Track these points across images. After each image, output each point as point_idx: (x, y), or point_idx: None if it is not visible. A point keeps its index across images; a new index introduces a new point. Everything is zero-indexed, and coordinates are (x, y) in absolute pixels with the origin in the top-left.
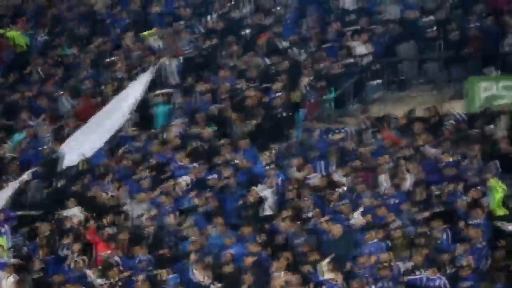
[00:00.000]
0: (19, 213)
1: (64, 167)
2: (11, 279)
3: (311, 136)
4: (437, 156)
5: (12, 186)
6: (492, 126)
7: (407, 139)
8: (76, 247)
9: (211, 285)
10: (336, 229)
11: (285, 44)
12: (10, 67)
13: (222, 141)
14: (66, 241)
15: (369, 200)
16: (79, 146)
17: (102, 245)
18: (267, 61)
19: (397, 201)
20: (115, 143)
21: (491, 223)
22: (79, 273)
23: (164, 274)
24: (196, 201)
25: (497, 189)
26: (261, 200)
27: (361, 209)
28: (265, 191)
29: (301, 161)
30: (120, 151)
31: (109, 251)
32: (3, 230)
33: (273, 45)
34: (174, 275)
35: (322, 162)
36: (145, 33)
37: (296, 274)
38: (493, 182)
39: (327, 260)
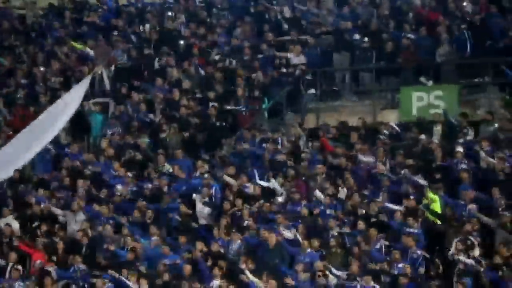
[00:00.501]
0: None
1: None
2: None
3: (246, 146)
4: (371, 166)
5: None
6: (425, 136)
7: (342, 149)
8: (12, 256)
9: None
10: (272, 238)
11: (218, 54)
12: None
13: (157, 151)
14: (0, 250)
15: (305, 209)
16: (10, 158)
17: (38, 254)
18: (201, 71)
19: (332, 211)
20: (50, 153)
21: (426, 232)
22: (15, 283)
23: (100, 283)
24: (135, 213)
25: (435, 200)
26: (194, 211)
27: (293, 223)
28: (200, 201)
29: (235, 170)
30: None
31: (44, 261)
32: None
33: (207, 55)
34: (110, 284)
35: (257, 171)
36: (75, 44)
37: (232, 284)
38: (431, 194)
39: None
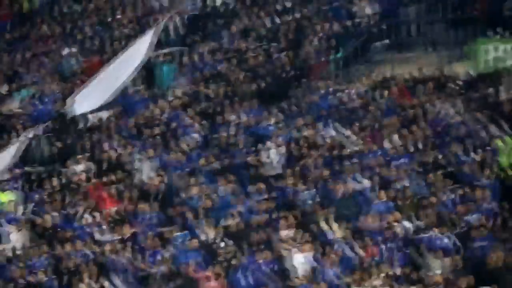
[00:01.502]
0: (28, 169)
1: (71, 123)
2: (22, 234)
3: (318, 96)
4: (443, 116)
5: (20, 142)
6: (496, 88)
7: (414, 99)
8: (85, 203)
9: (220, 243)
10: (344, 189)
11: (291, 3)
12: (15, 25)
13: (228, 101)
14: (74, 197)
15: (377, 160)
16: (86, 102)
17: (110, 201)
18: (274, 20)
19: (405, 160)
20: (122, 101)
21: (499, 183)
22: (88, 230)
23: (172, 231)
24: (204, 160)
25: (505, 150)
26: (267, 160)
27: (368, 170)
28: (271, 151)
29: (307, 120)
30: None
31: (117, 208)
32: (15, 185)
33: (279, 4)
34: (182, 232)
35: (329, 122)
36: None
37: (304, 233)
38: (501, 142)
39: (332, 219)
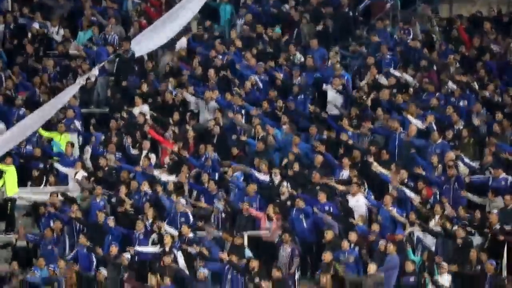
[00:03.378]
0: (87, 110)
1: (131, 64)
2: (81, 174)
3: (378, 36)
4: (504, 55)
5: (79, 83)
6: None
7: (474, 39)
8: (145, 144)
9: (279, 183)
10: (402, 129)
11: None
12: None
13: (290, 41)
14: (134, 139)
15: (436, 99)
16: (145, 44)
17: (169, 143)
18: None
19: (464, 102)
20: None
21: None
22: (147, 171)
23: (231, 171)
24: (264, 101)
25: None
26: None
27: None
28: (331, 91)
29: (369, 61)
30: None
31: (176, 149)
32: (73, 127)
33: None
34: (238, 173)
35: (390, 61)
36: None
37: (361, 175)
38: None
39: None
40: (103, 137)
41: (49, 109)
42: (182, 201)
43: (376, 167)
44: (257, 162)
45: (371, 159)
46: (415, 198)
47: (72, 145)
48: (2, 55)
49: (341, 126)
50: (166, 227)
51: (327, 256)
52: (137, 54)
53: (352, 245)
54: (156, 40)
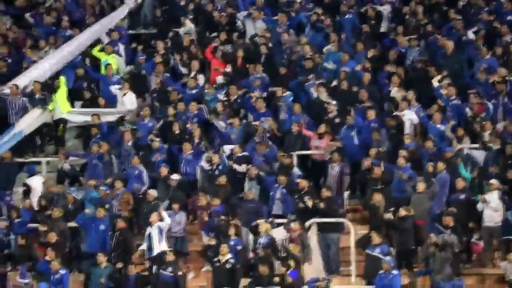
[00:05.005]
0: (134, 31)
1: None
2: (128, 95)
3: None
4: None
5: (127, 5)
6: None
7: None
8: (193, 65)
9: (328, 101)
10: (450, 44)
11: None
12: None
13: None
14: (182, 58)
15: (485, 14)
16: None
17: (218, 62)
18: None
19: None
20: None
21: None
22: (196, 91)
23: (280, 91)
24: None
25: None
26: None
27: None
28: (383, 7)
29: None
30: None
31: (225, 69)
32: (117, 48)
33: None
34: (289, 92)
35: None
36: None
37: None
38: None
39: (440, 76)
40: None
41: (97, 30)
42: (237, 121)
43: (434, 81)
44: (303, 80)
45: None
46: (466, 112)
47: (120, 64)
48: None
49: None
50: (215, 148)
51: (377, 170)
52: None
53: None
54: None
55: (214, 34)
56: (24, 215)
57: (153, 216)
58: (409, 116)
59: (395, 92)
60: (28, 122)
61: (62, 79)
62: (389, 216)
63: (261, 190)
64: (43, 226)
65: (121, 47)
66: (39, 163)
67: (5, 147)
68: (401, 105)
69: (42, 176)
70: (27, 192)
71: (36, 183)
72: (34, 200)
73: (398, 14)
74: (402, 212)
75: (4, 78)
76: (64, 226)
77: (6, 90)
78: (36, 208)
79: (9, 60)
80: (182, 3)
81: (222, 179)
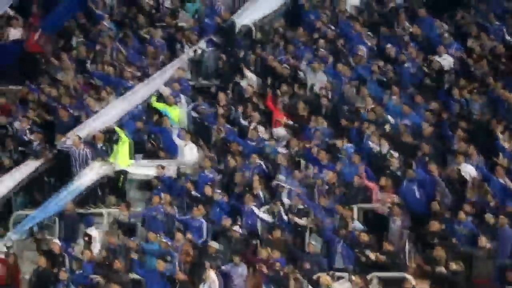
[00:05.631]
0: (195, 83)
1: (239, 35)
2: (190, 147)
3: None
4: None
5: (188, 56)
6: None
7: None
8: (254, 116)
9: (388, 154)
10: None
11: None
12: None
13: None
14: (244, 110)
15: None
16: (251, 14)
17: (279, 113)
18: None
19: None
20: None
21: None
22: (257, 142)
23: (340, 143)
24: (373, 70)
25: None
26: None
27: None
28: (444, 60)
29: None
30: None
31: (287, 121)
32: (178, 99)
33: None
34: (350, 144)
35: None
36: None
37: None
38: None
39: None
40: (214, 109)
41: (159, 81)
42: (298, 174)
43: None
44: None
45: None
46: None
47: (182, 116)
48: (113, 26)
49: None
50: (276, 200)
51: (435, 226)
52: (239, 24)
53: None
54: (259, 11)
55: (276, 85)
56: (86, 267)
57: (207, 273)
58: (467, 170)
59: (457, 145)
60: (89, 175)
61: (123, 131)
62: (440, 269)
63: (322, 243)
64: (104, 278)
65: (183, 98)
66: (100, 214)
67: (66, 200)
68: (459, 158)
69: (102, 227)
70: (89, 242)
71: (97, 234)
72: (95, 251)
73: (460, 66)
74: (454, 266)
75: (67, 128)
76: (126, 278)
77: (69, 141)
78: (97, 259)
79: (71, 110)
80: (242, 54)
81: (277, 233)
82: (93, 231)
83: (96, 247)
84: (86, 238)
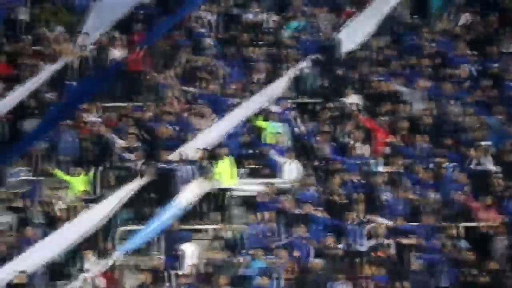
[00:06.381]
0: (299, 100)
1: (341, 54)
2: (294, 165)
3: None
4: None
5: (290, 74)
6: None
7: None
8: (357, 134)
9: (493, 172)
10: None
11: None
12: None
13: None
14: (346, 128)
15: None
16: (353, 34)
17: (382, 132)
18: None
19: None
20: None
21: None
22: (359, 161)
23: (443, 161)
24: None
25: None
26: None
27: None
28: None
29: None
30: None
31: (389, 140)
32: (280, 117)
33: None
34: (454, 163)
35: None
36: None
37: None
38: None
39: None
40: (315, 127)
41: (261, 98)
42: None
43: None
44: (472, 152)
45: None
46: None
47: (283, 134)
48: (216, 44)
49: None
50: (378, 219)
51: None
52: (344, 44)
53: None
54: (364, 30)
55: (378, 103)
56: (188, 283)
57: None
58: None
59: None
60: (192, 192)
61: (226, 149)
62: None
63: (427, 262)
64: None
65: (286, 116)
66: (201, 230)
67: (172, 218)
68: None
69: (203, 243)
70: (183, 258)
71: (190, 250)
72: (185, 266)
73: None
74: None
75: (169, 146)
76: None
77: (173, 158)
78: (200, 275)
79: (174, 128)
80: (345, 72)
81: (380, 251)
82: (188, 248)
83: (187, 263)
84: (181, 254)
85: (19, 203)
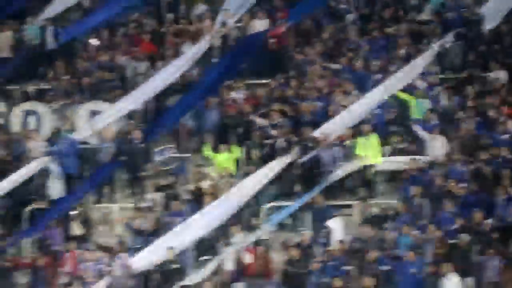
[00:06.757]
0: (441, 76)
1: (485, 29)
2: (440, 142)
3: None
4: None
5: (434, 49)
6: None
7: None
8: (503, 109)
9: None
10: None
11: None
12: None
13: None
14: (492, 102)
15: None
16: (498, 8)
17: None
18: None
19: None
20: None
21: None
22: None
23: None
24: None
25: None
26: None
27: None
28: None
29: None
30: None
31: None
32: (425, 92)
33: None
34: None
35: None
36: None
37: None
38: None
39: None
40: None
41: (405, 74)
42: None
43: None
44: None
45: None
46: None
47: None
48: (358, 21)
49: None
50: None
51: None
52: (487, 19)
53: None
54: (508, 4)
55: None
56: (337, 258)
57: None
58: None
59: None
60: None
61: (370, 126)
62: None
63: None
64: (357, 270)
65: (430, 91)
66: (349, 206)
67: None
68: None
69: (351, 219)
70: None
71: (337, 225)
72: (333, 242)
73: None
74: None
75: (313, 123)
76: (378, 269)
77: (318, 135)
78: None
79: (320, 104)
80: (489, 47)
81: None
82: (334, 222)
83: (334, 238)
84: (328, 230)
85: (167, 180)
